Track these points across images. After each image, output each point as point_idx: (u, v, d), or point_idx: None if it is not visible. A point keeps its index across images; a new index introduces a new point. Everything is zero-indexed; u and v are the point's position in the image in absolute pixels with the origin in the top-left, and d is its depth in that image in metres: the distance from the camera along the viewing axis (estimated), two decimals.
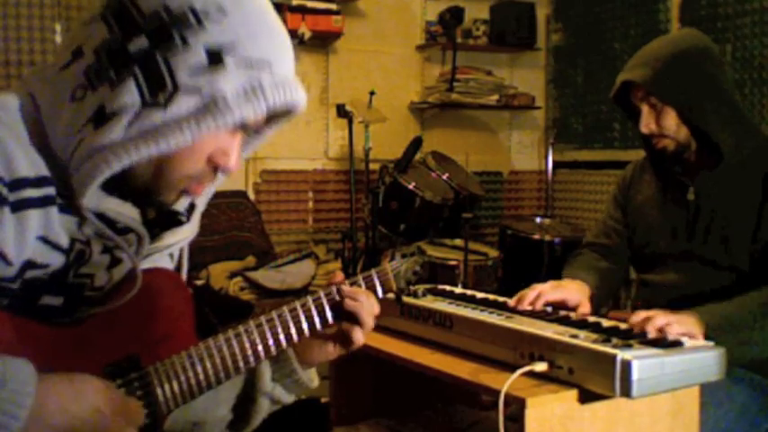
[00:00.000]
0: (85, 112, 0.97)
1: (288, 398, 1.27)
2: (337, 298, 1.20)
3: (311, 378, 1.28)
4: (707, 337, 1.50)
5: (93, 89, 0.98)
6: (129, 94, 0.96)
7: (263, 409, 1.25)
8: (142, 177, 1.03)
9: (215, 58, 0.98)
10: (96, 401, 0.94)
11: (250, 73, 1.00)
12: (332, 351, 1.24)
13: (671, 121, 1.80)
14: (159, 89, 0.97)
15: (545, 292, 1.69)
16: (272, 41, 1.04)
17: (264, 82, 1.01)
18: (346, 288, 1.21)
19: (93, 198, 1.01)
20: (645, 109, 1.81)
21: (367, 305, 1.20)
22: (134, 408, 1.01)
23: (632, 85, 1.84)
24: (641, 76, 1.79)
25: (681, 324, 1.48)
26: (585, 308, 1.73)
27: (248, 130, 1.11)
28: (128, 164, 0.97)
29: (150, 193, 1.06)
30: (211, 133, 1.00)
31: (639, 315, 1.49)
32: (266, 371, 1.23)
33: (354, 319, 1.20)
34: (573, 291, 1.77)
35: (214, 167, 1.06)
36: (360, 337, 1.21)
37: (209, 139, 1.02)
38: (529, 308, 1.65)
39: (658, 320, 1.46)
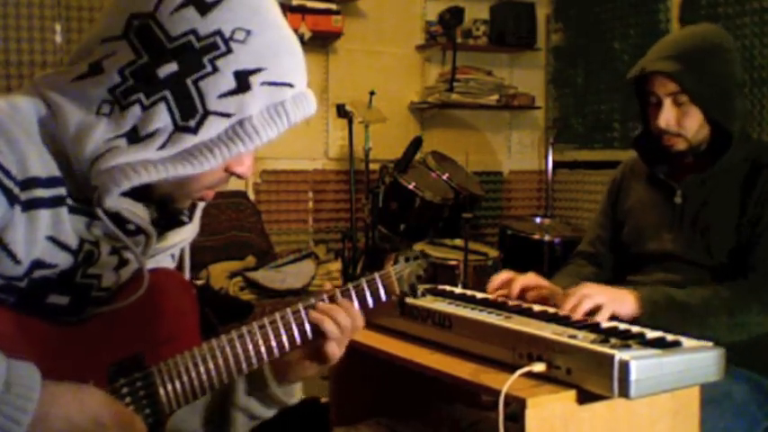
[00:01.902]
0: (117, 129, 0.99)
1: (267, 412, 1.24)
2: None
3: (290, 393, 1.24)
4: (643, 312, 1.59)
5: (122, 108, 0.99)
6: (162, 119, 0.98)
7: (239, 423, 1.23)
8: (164, 189, 1.05)
9: (243, 82, 1.00)
10: (99, 414, 0.95)
11: (273, 94, 1.02)
12: (308, 367, 1.21)
13: (694, 121, 1.77)
14: (190, 114, 0.99)
15: (516, 279, 1.74)
16: (293, 60, 1.06)
17: (287, 101, 1.04)
18: (321, 304, 1.19)
19: (113, 200, 1.02)
20: (668, 103, 1.77)
21: (341, 318, 1.17)
22: (137, 423, 1.01)
23: (658, 77, 1.77)
24: (677, 72, 1.73)
25: (612, 302, 1.55)
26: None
27: None
28: (157, 179, 0.99)
29: (168, 202, 1.09)
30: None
31: (570, 300, 1.54)
32: (240, 385, 1.21)
33: (326, 335, 1.17)
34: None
35: (228, 174, 1.09)
36: (332, 350, 1.17)
37: None
38: (503, 291, 1.72)
39: (584, 305, 1.52)
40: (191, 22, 0.99)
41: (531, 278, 1.76)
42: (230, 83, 0.99)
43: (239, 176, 1.10)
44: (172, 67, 0.99)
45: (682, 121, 1.77)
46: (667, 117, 1.77)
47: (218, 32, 0.99)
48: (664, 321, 1.54)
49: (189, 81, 0.99)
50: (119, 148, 0.98)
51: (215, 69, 0.99)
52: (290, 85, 1.04)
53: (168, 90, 0.98)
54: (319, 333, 1.17)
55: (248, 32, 1.00)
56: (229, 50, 0.99)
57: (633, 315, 1.58)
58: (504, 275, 1.77)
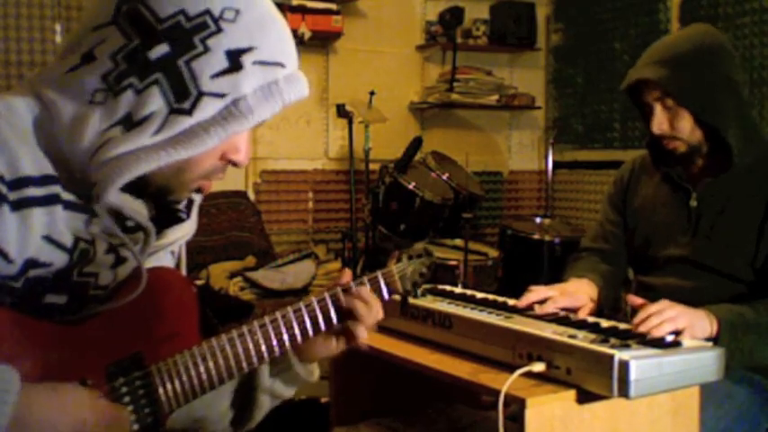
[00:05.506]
0: (111, 116, 0.99)
1: (288, 392, 1.27)
2: (342, 300, 1.19)
3: (311, 371, 1.28)
4: (719, 334, 1.53)
5: (115, 94, 0.99)
6: (156, 102, 0.99)
7: (264, 405, 1.26)
8: (161, 179, 1.05)
9: (235, 62, 1.00)
10: (81, 412, 0.94)
11: (265, 73, 1.03)
12: (334, 347, 1.24)
13: (686, 123, 1.76)
14: (184, 95, 0.99)
15: (555, 299, 1.68)
16: (282, 39, 1.06)
17: (279, 80, 1.04)
18: (354, 289, 1.21)
19: (114, 195, 1.02)
20: (658, 108, 1.77)
21: (374, 306, 1.20)
22: (122, 416, 1.01)
23: (645, 83, 1.78)
24: (659, 76, 1.73)
25: (691, 328, 1.49)
26: (587, 310, 1.75)
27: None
28: (157, 167, 0.99)
29: (165, 194, 1.08)
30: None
31: (652, 320, 1.48)
32: (264, 367, 1.23)
33: (356, 317, 1.19)
34: (580, 297, 1.78)
35: (225, 163, 1.09)
36: (363, 333, 1.20)
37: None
38: (537, 310, 1.64)
39: (666, 328, 1.46)
40: (179, 3, 1.00)
41: (567, 301, 1.72)
42: (222, 62, 1.00)
43: (236, 164, 1.09)
44: (163, 48, 0.99)
45: (674, 125, 1.76)
46: (659, 122, 1.77)
47: (208, 12, 1.00)
48: (740, 344, 1.54)
49: (181, 62, 0.99)
50: (114, 138, 0.98)
51: (206, 49, 0.99)
52: (282, 65, 1.04)
53: (161, 72, 0.99)
54: (346, 316, 1.19)
55: (237, 11, 1.01)
56: (219, 30, 1.00)
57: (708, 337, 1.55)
58: (533, 296, 1.69)
